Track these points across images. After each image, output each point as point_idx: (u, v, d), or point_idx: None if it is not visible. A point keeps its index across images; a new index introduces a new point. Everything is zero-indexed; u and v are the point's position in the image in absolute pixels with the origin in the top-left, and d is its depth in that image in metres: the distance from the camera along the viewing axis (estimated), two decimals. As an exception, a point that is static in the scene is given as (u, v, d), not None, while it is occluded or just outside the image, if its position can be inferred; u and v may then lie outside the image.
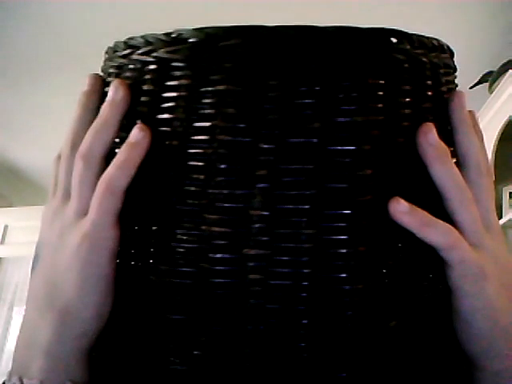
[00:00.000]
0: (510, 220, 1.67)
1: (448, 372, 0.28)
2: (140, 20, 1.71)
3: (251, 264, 0.25)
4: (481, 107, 1.84)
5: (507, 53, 1.76)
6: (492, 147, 1.75)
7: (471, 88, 1.90)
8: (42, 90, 2.17)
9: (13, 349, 0.29)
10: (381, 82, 0.26)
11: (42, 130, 2.46)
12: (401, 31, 0.26)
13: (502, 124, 1.72)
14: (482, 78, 1.88)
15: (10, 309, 2.67)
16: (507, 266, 0.28)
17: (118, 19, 1.75)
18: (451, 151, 0.28)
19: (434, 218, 0.26)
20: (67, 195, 0.29)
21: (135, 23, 1.70)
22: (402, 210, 0.25)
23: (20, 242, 2.54)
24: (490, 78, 1.82)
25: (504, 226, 1.71)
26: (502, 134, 1.74)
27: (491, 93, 1.79)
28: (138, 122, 0.27)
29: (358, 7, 1.66)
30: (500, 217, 1.75)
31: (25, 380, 0.26)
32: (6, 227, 2.70)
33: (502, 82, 1.69)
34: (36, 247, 0.30)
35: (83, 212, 0.27)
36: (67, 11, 1.73)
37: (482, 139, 0.30)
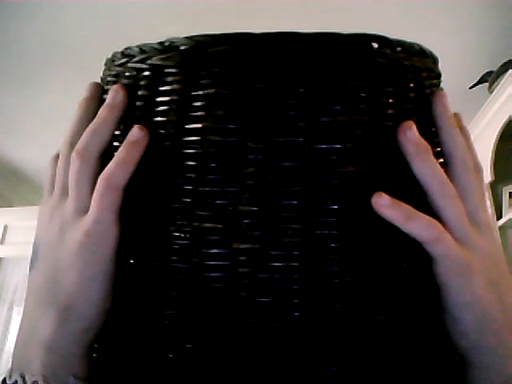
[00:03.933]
0: (510, 220, 1.67)
1: (438, 367, 0.28)
2: (136, 23, 1.72)
3: (242, 258, 0.26)
4: (481, 107, 1.84)
5: (507, 53, 1.76)
6: (492, 147, 1.75)
7: (471, 88, 1.90)
8: (42, 90, 2.18)
9: (13, 348, 0.29)
10: (362, 83, 0.27)
11: (42, 130, 2.46)
12: (382, 37, 0.27)
13: (501, 124, 1.72)
14: (481, 77, 1.88)
15: (10, 309, 2.67)
16: (497, 261, 0.27)
17: (117, 22, 1.75)
18: (437, 152, 0.28)
19: (417, 212, 0.26)
20: (65, 193, 0.29)
21: (132, 26, 1.72)
22: (384, 204, 0.26)
23: (20, 242, 2.53)
24: (490, 78, 1.82)
25: (504, 225, 1.71)
26: (502, 133, 1.74)
27: (491, 93, 1.79)
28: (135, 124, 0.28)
29: (357, 7, 1.66)
30: (500, 217, 1.75)
31: (27, 376, 0.26)
32: (5, 227, 2.70)
33: (502, 82, 1.69)
34: (33, 245, 0.30)
35: (82, 209, 0.28)
36: (67, 12, 1.73)
37: (469, 138, 0.30)
